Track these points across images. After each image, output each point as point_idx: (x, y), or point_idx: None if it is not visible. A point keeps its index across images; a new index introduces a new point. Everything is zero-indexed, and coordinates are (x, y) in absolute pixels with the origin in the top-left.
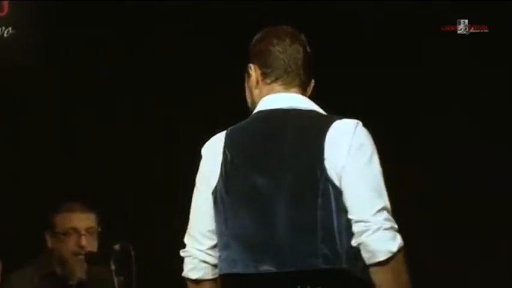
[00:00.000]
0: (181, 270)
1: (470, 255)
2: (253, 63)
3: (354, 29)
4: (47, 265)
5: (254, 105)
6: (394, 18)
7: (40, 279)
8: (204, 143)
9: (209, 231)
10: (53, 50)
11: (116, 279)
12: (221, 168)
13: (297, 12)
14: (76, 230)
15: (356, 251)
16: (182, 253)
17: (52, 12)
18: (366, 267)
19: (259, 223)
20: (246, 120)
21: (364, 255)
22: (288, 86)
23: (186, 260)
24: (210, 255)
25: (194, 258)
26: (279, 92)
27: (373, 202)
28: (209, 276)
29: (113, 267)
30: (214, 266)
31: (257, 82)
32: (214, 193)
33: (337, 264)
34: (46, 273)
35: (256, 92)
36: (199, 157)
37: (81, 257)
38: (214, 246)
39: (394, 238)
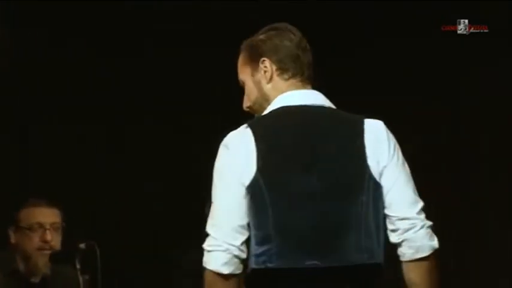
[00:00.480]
0: (146, 269)
1: None
2: (267, 58)
3: (353, 29)
4: (9, 262)
5: (264, 99)
6: (394, 18)
7: (3, 277)
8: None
9: (241, 226)
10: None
11: (81, 278)
12: (258, 163)
13: (297, 12)
14: (41, 225)
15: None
16: (210, 247)
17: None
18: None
19: (306, 219)
20: (270, 114)
21: (406, 251)
22: (304, 83)
23: (216, 254)
24: (242, 250)
25: (228, 253)
26: (298, 88)
27: (416, 200)
28: (238, 271)
29: (78, 265)
30: (243, 260)
31: (271, 77)
32: (252, 188)
33: (378, 259)
34: (9, 270)
35: (268, 86)
36: (212, 150)
37: (46, 252)
38: (246, 241)
39: (434, 236)
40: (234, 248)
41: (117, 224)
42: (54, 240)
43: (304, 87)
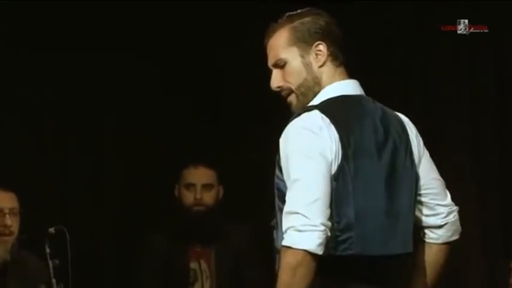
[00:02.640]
0: (115, 253)
1: None
2: (323, 41)
3: (353, 29)
4: None
5: (315, 82)
6: (394, 18)
7: None
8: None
9: (329, 208)
10: None
11: (50, 263)
12: (343, 151)
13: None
14: (0, 210)
15: None
16: (303, 227)
17: None
18: None
19: (380, 207)
20: (335, 102)
21: (444, 233)
22: (348, 73)
23: (311, 234)
24: (329, 232)
25: (324, 233)
26: (347, 77)
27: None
28: (322, 252)
29: (47, 250)
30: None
31: (324, 62)
32: (338, 176)
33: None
34: None
35: (320, 70)
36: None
37: (6, 237)
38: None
39: None
40: (328, 229)
41: (86, 207)
42: (13, 225)
43: (350, 77)
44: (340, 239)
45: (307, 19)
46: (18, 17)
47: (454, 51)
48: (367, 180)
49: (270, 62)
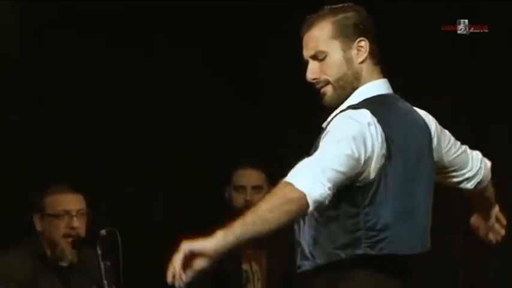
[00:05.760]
0: (164, 256)
1: None
2: (365, 38)
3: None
4: (36, 247)
5: (355, 77)
6: (394, 18)
7: (30, 260)
8: None
9: (336, 187)
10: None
11: (102, 264)
12: (387, 151)
13: (297, 12)
14: (67, 212)
15: None
16: (315, 177)
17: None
18: None
19: (414, 208)
20: (376, 100)
21: (483, 182)
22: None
23: (319, 188)
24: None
25: (327, 197)
26: (383, 75)
27: (470, 153)
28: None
29: (99, 252)
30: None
31: (365, 58)
32: (379, 174)
33: None
34: (36, 254)
35: (360, 66)
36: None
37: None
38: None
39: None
40: (327, 200)
41: (138, 210)
42: (81, 226)
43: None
44: (377, 238)
45: (350, 14)
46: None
47: (454, 51)
48: (402, 181)
49: (308, 53)
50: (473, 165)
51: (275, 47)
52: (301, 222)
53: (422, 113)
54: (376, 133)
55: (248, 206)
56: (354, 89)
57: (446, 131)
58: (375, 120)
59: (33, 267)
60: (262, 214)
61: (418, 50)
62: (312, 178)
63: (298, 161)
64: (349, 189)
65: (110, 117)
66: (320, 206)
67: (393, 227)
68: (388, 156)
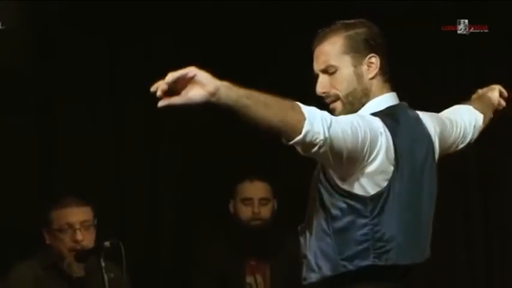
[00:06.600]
0: (172, 265)
1: None
2: (376, 54)
3: None
4: (48, 258)
5: (364, 93)
6: (394, 18)
7: (43, 270)
8: None
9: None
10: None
11: (106, 276)
12: (395, 162)
13: (297, 13)
14: (71, 226)
15: None
16: (325, 118)
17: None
18: None
19: (417, 220)
20: (385, 113)
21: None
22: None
23: (323, 125)
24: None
25: (325, 142)
26: (392, 90)
27: (465, 115)
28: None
29: (103, 264)
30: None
31: (375, 75)
32: (388, 185)
33: None
34: (48, 264)
35: (370, 82)
36: None
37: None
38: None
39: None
40: (322, 143)
41: (141, 222)
42: (86, 239)
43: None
44: (384, 249)
45: (362, 30)
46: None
47: (454, 51)
48: (409, 192)
49: (319, 67)
50: (469, 132)
51: (277, 49)
52: (308, 234)
53: (426, 116)
54: (388, 141)
55: (255, 218)
56: (363, 104)
57: (444, 118)
58: (387, 131)
59: (45, 278)
60: (269, 101)
61: (418, 50)
62: (320, 119)
63: (302, 173)
64: (359, 200)
65: (117, 124)
66: (307, 145)
67: (399, 238)
68: (396, 168)
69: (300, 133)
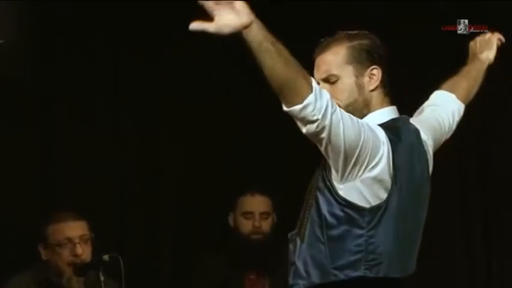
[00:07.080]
0: (171, 279)
1: None
2: (378, 66)
3: (353, 29)
4: (41, 273)
5: (365, 104)
6: (394, 18)
7: (37, 285)
8: None
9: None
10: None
11: None
12: (393, 175)
13: (297, 13)
14: (70, 240)
15: None
16: (329, 102)
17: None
18: None
19: (410, 232)
20: (387, 126)
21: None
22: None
23: (323, 105)
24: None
25: (320, 121)
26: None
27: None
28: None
29: (102, 277)
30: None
31: (376, 87)
32: (387, 198)
33: None
34: (42, 279)
35: (371, 94)
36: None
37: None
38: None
39: None
40: (319, 121)
41: (141, 235)
42: (85, 252)
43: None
44: (376, 261)
45: (365, 41)
46: None
47: (454, 51)
48: (406, 206)
49: (320, 76)
50: (452, 127)
51: None
52: (298, 241)
53: (422, 129)
54: (388, 154)
55: (256, 232)
56: (363, 116)
57: (433, 122)
58: (388, 143)
59: None
60: (289, 58)
61: (418, 50)
62: (326, 101)
63: (302, 187)
64: (357, 210)
65: (117, 136)
66: (303, 119)
67: (392, 252)
68: (395, 181)
69: (301, 102)
